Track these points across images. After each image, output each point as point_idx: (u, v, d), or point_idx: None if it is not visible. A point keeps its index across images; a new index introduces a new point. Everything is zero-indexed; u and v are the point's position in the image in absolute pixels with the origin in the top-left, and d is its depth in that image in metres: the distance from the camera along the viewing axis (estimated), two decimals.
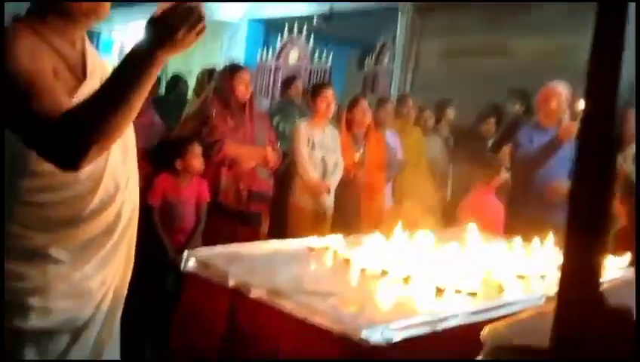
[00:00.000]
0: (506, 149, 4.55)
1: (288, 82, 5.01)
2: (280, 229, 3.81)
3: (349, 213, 4.12)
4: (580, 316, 0.98)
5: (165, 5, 1.29)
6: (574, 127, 3.76)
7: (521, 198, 4.10)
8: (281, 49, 8.32)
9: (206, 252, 2.25)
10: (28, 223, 1.48)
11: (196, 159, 3.50)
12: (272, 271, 2.12)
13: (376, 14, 7.59)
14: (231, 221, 3.55)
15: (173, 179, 3.52)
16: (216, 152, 3.56)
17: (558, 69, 5.45)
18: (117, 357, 1.73)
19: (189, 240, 3.51)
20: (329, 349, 1.69)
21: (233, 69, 3.74)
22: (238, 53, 8.83)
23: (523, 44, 6.15)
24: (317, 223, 3.88)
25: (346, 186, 4.13)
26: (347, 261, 2.36)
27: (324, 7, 7.82)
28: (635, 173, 4.17)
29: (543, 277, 2.46)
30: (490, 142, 5.40)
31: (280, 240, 2.64)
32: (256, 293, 1.90)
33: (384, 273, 2.22)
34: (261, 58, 8.48)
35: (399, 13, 7.20)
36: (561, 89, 4.12)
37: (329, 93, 4.03)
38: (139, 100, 1.33)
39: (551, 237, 2.92)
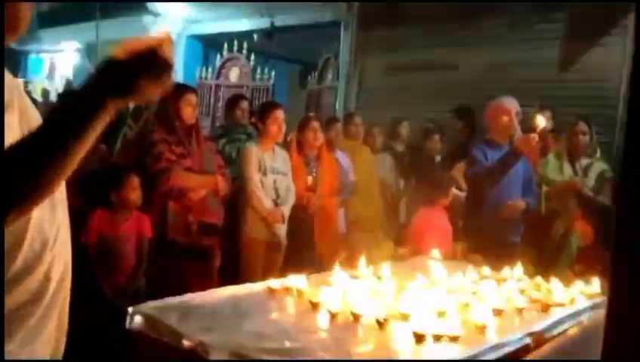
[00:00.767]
0: (460, 167, 4.48)
1: (233, 102, 4.75)
2: (233, 263, 3.57)
3: (303, 240, 3.93)
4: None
5: (128, 47, 1.09)
6: (533, 140, 3.71)
7: (477, 217, 4.02)
8: (221, 67, 8.08)
9: (154, 306, 1.98)
10: None
11: (133, 192, 3.23)
12: (233, 326, 1.87)
13: (318, 30, 7.48)
14: (180, 258, 3.27)
15: (109, 215, 3.23)
16: (162, 182, 3.28)
17: (501, 83, 5.49)
18: None
19: (131, 281, 3.23)
20: None
21: (179, 90, 3.46)
22: (174, 71, 8.51)
23: (466, 58, 6.16)
24: (272, 254, 3.67)
25: (298, 212, 3.93)
26: (314, 304, 2.13)
27: (265, 22, 7.64)
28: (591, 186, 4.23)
29: (519, 310, 2.32)
30: (438, 159, 5.34)
31: (237, 286, 2.38)
32: (216, 356, 1.65)
33: (356, 317, 2.01)
34: (200, 76, 8.20)
35: (342, 29, 7.09)
36: (510, 104, 4.08)
37: (279, 114, 3.83)
38: (78, 154, 1.13)
39: (519, 266, 2.81)
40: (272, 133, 3.81)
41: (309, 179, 4.04)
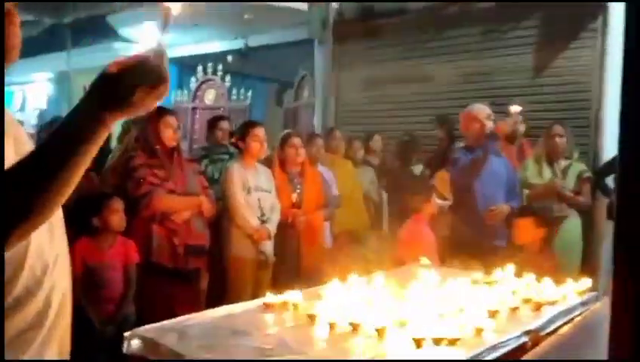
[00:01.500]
0: (441, 175, 4.54)
1: (214, 123, 4.77)
2: (221, 284, 3.54)
3: (290, 257, 3.93)
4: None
5: (121, 61, 1.11)
6: (501, 125, 3.86)
7: (462, 223, 4.08)
8: (197, 89, 8.09)
9: (151, 329, 1.96)
10: None
11: (115, 215, 3.21)
12: (232, 343, 1.87)
13: (293, 48, 7.54)
14: (167, 281, 3.25)
15: (93, 242, 3.21)
16: (144, 207, 3.27)
17: (477, 91, 5.59)
18: None
19: (120, 309, 3.19)
20: None
21: (159, 113, 3.47)
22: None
23: (441, 69, 6.25)
24: (259, 271, 3.66)
25: (284, 229, 3.94)
26: (311, 317, 2.14)
27: (239, 43, 7.69)
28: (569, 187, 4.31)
29: (513, 310, 2.35)
30: (415, 169, 5.41)
31: (231, 304, 2.37)
32: None
33: (354, 327, 2.02)
34: (176, 99, 8.19)
35: (316, 45, 7.16)
36: (479, 110, 4.18)
37: (260, 132, 3.85)
38: (77, 174, 1.13)
39: (510, 268, 2.85)
40: (253, 151, 3.83)
41: (294, 195, 4.05)
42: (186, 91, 8.27)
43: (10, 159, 1.20)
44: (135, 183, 3.32)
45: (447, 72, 6.18)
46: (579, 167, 4.49)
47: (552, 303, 2.46)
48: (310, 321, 2.13)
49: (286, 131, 4.56)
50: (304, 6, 6.69)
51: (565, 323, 2.36)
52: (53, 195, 1.13)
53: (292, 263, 3.91)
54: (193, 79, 8.24)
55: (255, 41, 7.68)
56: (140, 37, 8.40)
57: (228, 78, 8.01)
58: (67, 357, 1.46)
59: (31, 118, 10.63)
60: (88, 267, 3.15)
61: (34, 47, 8.57)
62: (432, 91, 6.26)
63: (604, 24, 5.06)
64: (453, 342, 1.92)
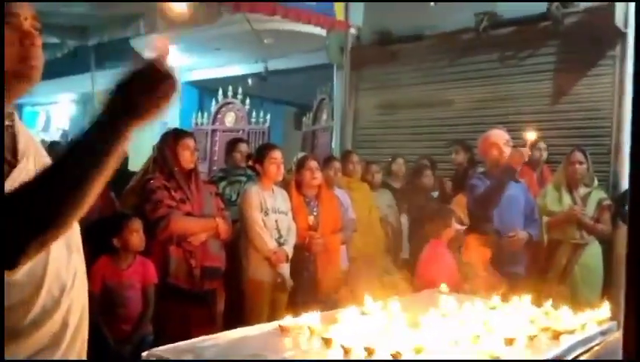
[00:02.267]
0: (459, 200, 4.53)
1: (232, 145, 4.82)
2: (237, 306, 3.54)
3: (306, 279, 3.93)
4: None
5: (126, 70, 1.12)
6: (523, 153, 3.89)
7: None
8: (217, 112, 8.18)
9: (168, 349, 1.97)
10: None
11: (134, 235, 3.25)
12: None
13: (312, 72, 7.62)
14: (184, 303, 3.26)
15: (112, 261, 3.24)
16: (162, 229, 3.30)
17: (494, 117, 5.59)
18: None
19: (137, 328, 3.21)
20: None
21: (177, 135, 3.52)
22: (172, 118, 8.62)
23: (458, 94, 6.27)
24: (277, 294, 3.65)
25: (300, 251, 3.94)
26: (327, 341, 2.13)
27: (259, 67, 7.79)
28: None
29: (530, 338, 2.32)
30: (434, 195, 5.39)
31: (247, 327, 2.38)
32: None
33: (370, 352, 2.01)
34: (196, 122, 8.29)
35: (334, 70, 7.23)
36: (497, 136, 4.16)
37: (277, 155, 3.88)
38: (97, 185, 1.12)
39: (527, 296, 2.82)
40: (271, 173, 3.85)
41: (310, 218, 4.05)
42: (206, 114, 8.38)
43: (32, 175, 1.21)
44: (153, 205, 3.35)
45: (464, 97, 6.20)
46: (599, 194, 4.46)
47: (571, 332, 2.43)
48: (326, 345, 2.13)
49: (303, 154, 4.59)
50: (323, 32, 6.77)
51: (584, 352, 2.33)
52: (71, 207, 1.12)
53: (309, 286, 3.90)
54: (213, 102, 8.35)
55: (275, 65, 7.77)
56: None
57: (247, 101, 8.10)
58: None
59: (54, 138, 10.81)
60: (107, 286, 3.18)
61: (58, 69, 8.76)
62: (449, 116, 6.28)
63: (623, 51, 5.05)
64: None
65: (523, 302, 2.80)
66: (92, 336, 1.51)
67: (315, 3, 6.19)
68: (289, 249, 3.82)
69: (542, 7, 5.58)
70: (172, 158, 3.48)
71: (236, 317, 3.47)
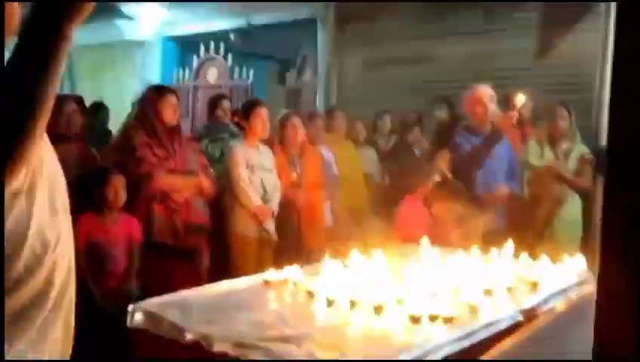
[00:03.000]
0: (443, 155, 4.56)
1: (215, 102, 4.78)
2: (223, 262, 3.59)
3: (290, 235, 3.97)
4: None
5: None
6: (512, 116, 3.93)
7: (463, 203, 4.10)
8: (199, 68, 8.06)
9: (154, 303, 2.01)
10: None
11: (119, 191, 3.23)
12: (232, 318, 1.92)
13: (295, 27, 7.50)
14: (168, 259, 3.29)
15: (97, 218, 3.24)
16: (146, 186, 3.29)
17: (479, 73, 5.58)
18: None
19: (123, 284, 3.24)
20: None
21: (159, 92, 3.48)
22: (152, 74, 8.49)
23: (443, 50, 6.24)
24: (263, 250, 3.70)
25: (285, 208, 3.97)
26: (310, 293, 2.18)
27: (241, 22, 7.65)
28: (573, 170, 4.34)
29: (509, 289, 2.39)
30: (416, 151, 5.42)
31: (232, 279, 2.42)
32: (220, 347, 1.69)
33: (353, 303, 2.06)
34: (178, 78, 8.17)
35: (318, 24, 7.13)
36: (484, 92, 4.17)
37: (263, 111, 3.86)
38: (48, 92, 1.09)
39: (510, 246, 2.88)
40: (256, 130, 3.85)
41: (294, 174, 4.08)
42: (187, 70, 8.25)
43: None
44: (135, 162, 3.34)
45: (449, 53, 6.17)
46: (581, 148, 4.50)
47: (548, 283, 2.50)
48: (309, 298, 2.18)
49: (286, 111, 4.57)
50: None
51: (560, 302, 2.41)
52: (26, 117, 1.08)
53: (293, 241, 3.95)
54: (195, 58, 8.21)
55: (258, 19, 7.64)
56: (141, 13, 8.37)
57: (230, 56, 7.98)
58: (72, 332, 1.45)
59: None
60: (92, 242, 3.18)
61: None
62: (433, 72, 6.25)
63: (607, 6, 5.04)
64: (448, 320, 1.97)
65: (503, 254, 2.87)
66: (78, 292, 1.52)
67: None
68: (274, 205, 3.85)
69: None
70: (154, 115, 3.45)
71: (222, 272, 3.52)
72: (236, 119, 4.14)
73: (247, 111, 3.93)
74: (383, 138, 5.54)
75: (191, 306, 2.00)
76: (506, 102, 4.36)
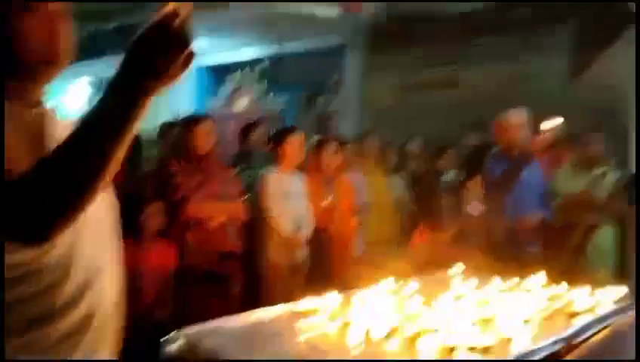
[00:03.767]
0: (477, 181, 4.52)
1: (247, 129, 4.84)
2: (255, 288, 3.60)
3: (322, 262, 3.96)
4: None
5: (144, 27, 1.06)
6: (541, 140, 3.84)
7: (496, 231, 4.06)
8: (231, 96, 8.20)
9: (191, 331, 2.02)
10: None
11: (155, 217, 3.28)
12: (267, 348, 1.92)
13: (325, 54, 7.59)
14: (200, 285, 3.32)
15: (133, 243, 3.28)
16: (181, 212, 3.35)
17: (511, 97, 5.54)
18: None
19: (154, 310, 3.26)
20: None
21: (194, 120, 3.57)
22: (185, 103, 8.65)
23: (474, 76, 6.23)
24: (294, 276, 3.70)
25: (317, 235, 3.97)
26: (345, 323, 2.17)
27: (273, 50, 7.77)
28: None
29: (546, 318, 2.34)
30: (448, 175, 5.38)
31: (266, 308, 2.42)
32: None
33: (389, 333, 2.05)
34: (211, 106, 8.32)
35: (348, 51, 7.20)
36: (517, 118, 4.14)
37: (297, 139, 3.89)
38: (120, 149, 1.09)
39: (542, 275, 2.83)
40: (290, 156, 3.88)
41: (327, 201, 4.08)
42: (220, 98, 8.40)
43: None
44: (172, 189, 3.40)
45: (480, 77, 6.16)
46: (614, 174, 4.43)
47: (586, 312, 2.45)
48: (344, 327, 2.17)
49: (320, 137, 4.60)
50: (336, 14, 6.73)
51: (599, 331, 2.35)
52: (93, 176, 1.09)
53: (324, 268, 3.94)
54: (228, 85, 8.36)
55: (288, 48, 7.75)
56: None
57: (262, 84, 8.11)
58: (117, 355, 1.47)
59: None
60: (126, 268, 3.23)
61: (77, 53, 8.79)
62: (465, 97, 6.24)
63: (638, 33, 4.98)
64: (486, 350, 1.94)
65: (539, 280, 2.82)
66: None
67: None
68: (306, 232, 3.85)
69: None
70: (190, 142, 3.52)
71: (254, 298, 3.53)
72: (270, 146, 4.18)
73: (280, 138, 3.97)
74: (414, 163, 5.51)
75: (228, 335, 2.01)
76: (536, 126, 4.34)
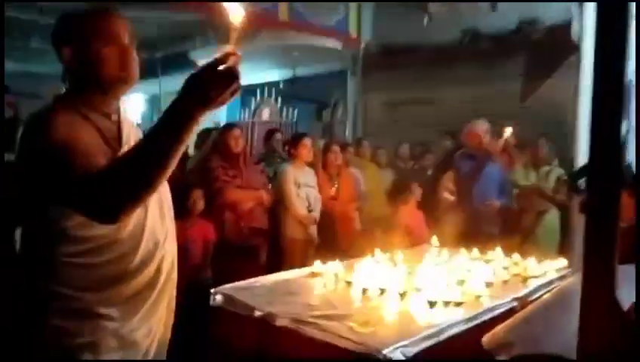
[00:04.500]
0: (449, 175, 4.52)
1: (270, 134, 4.85)
2: (277, 257, 3.60)
3: (329, 238, 3.96)
4: (601, 324, 0.85)
5: (203, 65, 1.08)
6: (498, 142, 3.90)
7: (464, 214, 4.05)
8: (256, 108, 8.19)
9: (229, 287, 2.04)
10: (77, 285, 1.25)
11: (197, 201, 3.29)
12: (289, 300, 1.94)
13: (330, 77, 7.58)
14: (235, 255, 3.32)
15: (179, 222, 3.28)
16: (219, 198, 3.36)
17: (475, 112, 5.52)
18: None
19: (199, 273, 3.27)
20: None
21: (230, 127, 3.58)
22: (221, 114, 8.66)
23: (447, 95, 6.22)
24: (306, 249, 3.71)
25: (324, 216, 3.97)
26: (348, 283, 2.19)
27: (289, 73, 7.78)
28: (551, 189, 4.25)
29: (505, 282, 2.35)
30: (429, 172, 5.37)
31: (288, 271, 2.44)
32: (281, 322, 1.71)
33: (382, 291, 2.06)
34: (240, 116, 8.31)
35: (348, 74, 7.19)
36: (480, 127, 4.13)
37: (308, 142, 3.90)
38: (175, 158, 1.11)
39: (499, 248, 2.84)
40: (302, 156, 3.87)
41: (332, 190, 4.09)
42: (247, 110, 8.39)
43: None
44: (212, 180, 3.40)
45: (451, 96, 6.14)
46: (558, 171, 4.43)
47: (536, 277, 2.46)
48: (347, 286, 2.19)
49: (327, 141, 4.60)
50: (340, 45, 6.74)
51: (546, 293, 2.36)
52: (156, 173, 1.11)
53: (331, 242, 3.94)
54: (253, 101, 8.35)
55: (301, 71, 7.75)
56: None
57: (280, 100, 8.10)
58: (173, 311, 1.45)
59: None
60: (178, 241, 3.24)
61: None
62: (440, 112, 6.22)
63: (578, 59, 4.97)
64: (458, 304, 1.95)
65: (496, 253, 2.83)
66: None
67: (334, 22, 6.16)
68: (316, 214, 3.86)
69: (514, 24, 5.51)
70: (225, 144, 3.53)
71: (276, 265, 3.54)
72: (287, 148, 4.18)
73: (295, 141, 3.97)
74: (402, 162, 5.52)
75: (256, 290, 2.02)
76: (497, 134, 4.32)
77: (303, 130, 8.01)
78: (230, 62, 1.07)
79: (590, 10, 4.81)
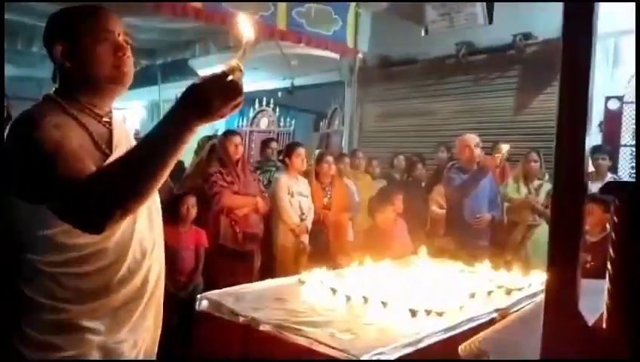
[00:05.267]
0: (439, 189, 4.57)
1: (265, 143, 4.92)
2: (270, 264, 3.64)
3: (321, 247, 3.99)
4: (564, 333, 0.89)
5: (205, 77, 1.05)
6: (495, 158, 3.93)
7: (455, 227, 4.09)
8: (254, 117, 8.27)
9: (216, 293, 2.08)
10: (60, 296, 1.18)
11: (190, 209, 3.32)
12: (274, 306, 1.97)
13: (327, 87, 7.66)
14: (230, 260, 3.36)
15: (173, 228, 3.32)
16: (216, 203, 3.40)
17: (468, 124, 5.60)
18: None
19: (191, 279, 3.30)
20: None
21: (228, 134, 3.63)
22: (219, 121, 8.71)
23: (441, 107, 6.28)
24: (298, 257, 3.74)
25: (317, 225, 4.01)
26: (333, 290, 2.22)
27: (287, 83, 7.85)
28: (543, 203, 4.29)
29: (489, 293, 2.38)
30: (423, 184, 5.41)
31: (275, 279, 2.47)
32: (264, 327, 1.74)
33: (365, 299, 2.09)
34: (238, 125, 8.38)
35: (345, 86, 7.27)
36: (472, 139, 4.18)
37: (302, 151, 3.95)
38: (167, 168, 1.06)
39: (487, 261, 2.88)
40: (296, 165, 3.92)
41: (325, 200, 4.13)
42: (245, 118, 8.46)
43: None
44: (209, 185, 3.44)
45: (446, 109, 6.21)
46: (549, 186, 4.46)
47: (520, 289, 2.49)
48: (332, 293, 2.22)
49: (320, 151, 4.65)
50: (337, 56, 6.82)
51: (527, 304, 2.39)
52: (147, 183, 1.07)
53: (322, 251, 3.97)
54: (251, 110, 8.43)
55: (298, 81, 7.82)
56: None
57: (277, 109, 8.18)
58: (160, 320, 1.40)
59: None
60: (167, 246, 3.26)
61: (133, 81, 8.86)
62: (434, 123, 6.29)
63: None
64: (440, 314, 1.98)
65: (484, 266, 2.86)
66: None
67: (331, 33, 6.24)
68: (309, 223, 3.90)
69: (508, 38, 5.59)
70: (224, 150, 3.58)
71: (269, 272, 3.57)
72: (281, 157, 4.23)
73: (289, 151, 4.02)
74: (398, 173, 5.56)
75: (243, 296, 2.05)
76: (492, 148, 4.38)
77: (301, 139, 8.07)
78: (235, 76, 1.04)
79: None
